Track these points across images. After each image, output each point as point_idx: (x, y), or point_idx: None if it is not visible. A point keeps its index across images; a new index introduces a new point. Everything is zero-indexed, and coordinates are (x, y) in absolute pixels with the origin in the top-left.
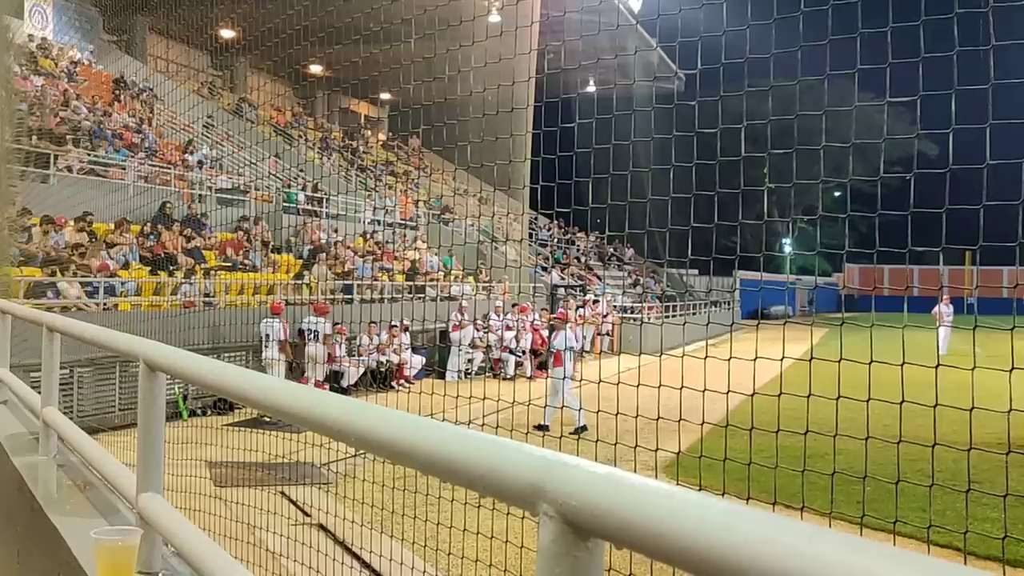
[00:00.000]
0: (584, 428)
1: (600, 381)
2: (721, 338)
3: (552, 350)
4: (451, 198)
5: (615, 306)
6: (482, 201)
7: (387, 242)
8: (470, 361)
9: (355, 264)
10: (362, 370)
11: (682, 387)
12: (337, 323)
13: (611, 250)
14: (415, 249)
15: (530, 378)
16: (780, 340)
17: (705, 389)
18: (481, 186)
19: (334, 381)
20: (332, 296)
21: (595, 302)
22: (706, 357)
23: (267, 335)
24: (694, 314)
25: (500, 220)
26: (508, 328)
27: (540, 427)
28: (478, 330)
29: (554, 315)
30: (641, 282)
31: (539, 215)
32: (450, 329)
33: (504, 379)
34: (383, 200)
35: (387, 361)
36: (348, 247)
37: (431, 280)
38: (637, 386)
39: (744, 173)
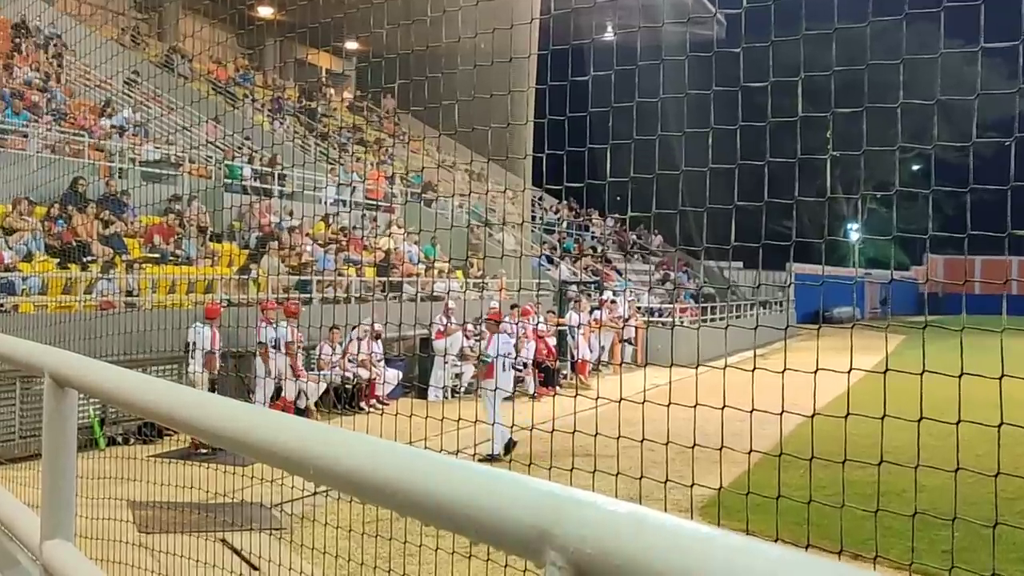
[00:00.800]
0: (495, 457)
1: (621, 399)
2: (772, 346)
3: (485, 360)
4: (434, 172)
5: (639, 307)
6: (473, 176)
7: (354, 228)
8: (458, 376)
9: (314, 255)
10: (323, 388)
11: (724, 407)
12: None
13: (634, 237)
14: (389, 236)
15: (533, 397)
16: (846, 348)
17: (753, 409)
18: (472, 157)
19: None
20: (287, 295)
21: (614, 302)
22: (754, 369)
23: (193, 343)
24: (738, 317)
25: (496, 199)
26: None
27: (490, 457)
28: (468, 337)
29: (504, 314)
30: (672, 277)
31: (544, 193)
32: (433, 336)
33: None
34: (349, 175)
35: (354, 376)
36: (306, 234)
37: (409, 275)
38: (668, 405)
39: (801, 138)
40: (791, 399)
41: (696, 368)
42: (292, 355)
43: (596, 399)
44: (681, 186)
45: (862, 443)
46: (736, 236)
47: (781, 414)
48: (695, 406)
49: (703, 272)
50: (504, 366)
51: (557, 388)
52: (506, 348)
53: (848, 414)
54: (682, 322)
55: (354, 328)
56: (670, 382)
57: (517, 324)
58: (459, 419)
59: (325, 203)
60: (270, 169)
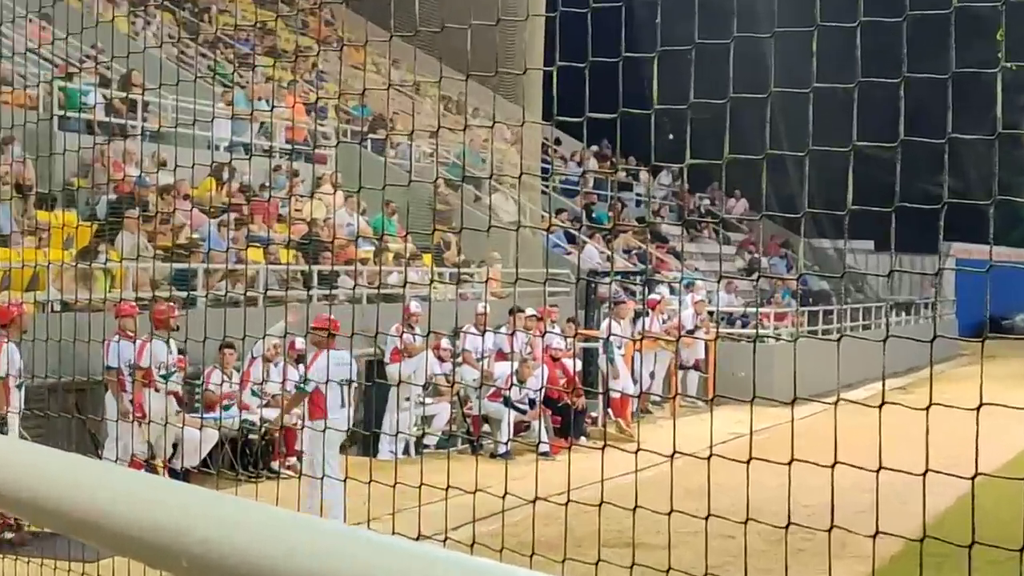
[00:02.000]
0: None
1: (674, 454)
2: (919, 373)
3: (302, 389)
4: (388, 99)
5: (711, 312)
6: (449, 105)
7: (262, 187)
8: (425, 420)
9: (200, 230)
10: (214, 439)
11: (834, 463)
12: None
13: (702, 201)
14: (317, 200)
15: (545, 454)
16: None
17: (881, 468)
18: (444, 74)
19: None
20: (155, 294)
21: (670, 304)
22: (881, 404)
23: None
24: (864, 326)
25: (485, 143)
26: (501, 356)
27: None
28: (441, 359)
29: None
30: (762, 264)
31: (561, 133)
32: (387, 358)
33: (494, 456)
34: (252, 104)
35: (261, 421)
36: (186, 197)
37: (348, 261)
38: (748, 461)
39: (959, 46)
40: (946, 454)
41: (793, 404)
42: (153, 386)
43: (636, 451)
44: (770, 118)
45: None
46: (856, 198)
47: (925, 475)
48: (790, 463)
49: (810, 256)
50: (342, 400)
51: (581, 439)
52: (340, 371)
53: None
54: (778, 335)
55: (259, 342)
56: (751, 430)
57: (511, 336)
58: (421, 484)
59: (216, 149)
60: (129, 95)
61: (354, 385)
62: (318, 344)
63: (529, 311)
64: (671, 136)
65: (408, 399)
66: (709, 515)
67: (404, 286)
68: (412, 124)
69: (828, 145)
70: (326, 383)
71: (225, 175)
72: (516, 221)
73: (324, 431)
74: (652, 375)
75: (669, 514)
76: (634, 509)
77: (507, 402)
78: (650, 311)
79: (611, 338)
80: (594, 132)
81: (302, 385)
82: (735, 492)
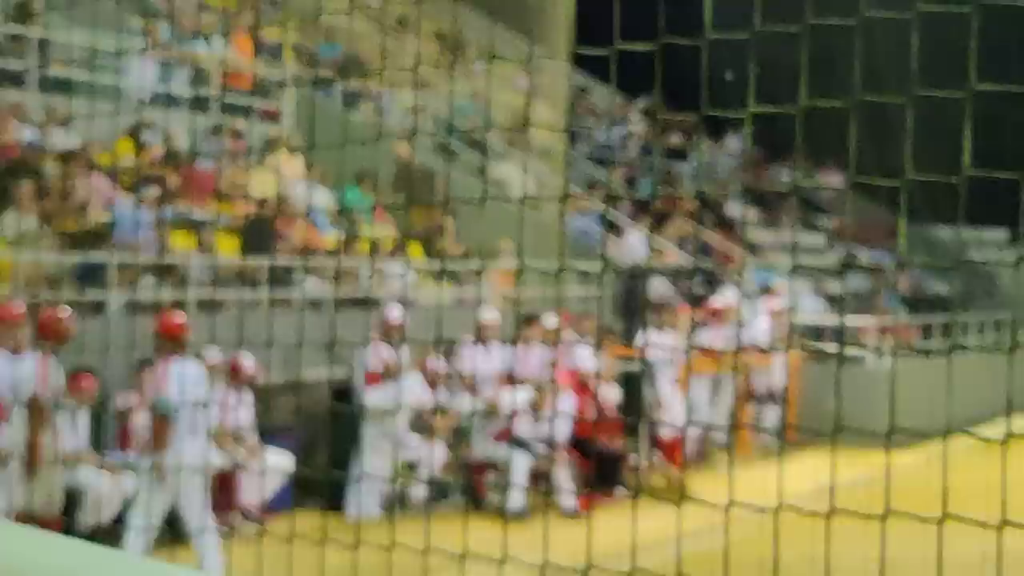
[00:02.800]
0: None
1: (728, 507)
2: None
3: (162, 411)
4: (365, 36)
5: (793, 323)
6: (446, 44)
7: (196, 153)
8: (410, 469)
9: (112, 209)
10: (128, 488)
11: (942, 518)
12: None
13: (782, 175)
14: (268, 169)
15: (573, 514)
16: None
17: (1005, 523)
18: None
19: (63, 515)
20: (51, 294)
21: (736, 312)
22: (1006, 439)
23: None
24: (997, 344)
25: (495, 93)
26: (509, 380)
27: None
28: (432, 384)
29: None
30: (863, 260)
31: (594, 81)
32: (360, 383)
33: (503, 514)
34: (184, 42)
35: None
36: (94, 166)
37: (310, 251)
38: (827, 514)
39: None
40: None
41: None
42: (43, 420)
43: (684, 501)
44: (866, 53)
45: None
46: (978, 166)
47: None
48: (883, 517)
49: (920, 247)
50: (194, 427)
51: (621, 489)
52: (191, 388)
53: None
54: (881, 352)
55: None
56: (854, 481)
57: (524, 353)
58: (385, 542)
59: (134, 101)
60: (19, 29)
61: (206, 406)
62: (164, 349)
63: (550, 320)
64: (729, 77)
65: (387, 437)
66: None
67: (377, 284)
68: (402, 71)
69: (955, 113)
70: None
71: (145, 136)
72: (533, 197)
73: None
74: (714, 407)
75: None
76: None
77: (519, 442)
78: (711, 321)
79: (654, 356)
80: (639, 81)
81: (160, 407)
82: (817, 565)
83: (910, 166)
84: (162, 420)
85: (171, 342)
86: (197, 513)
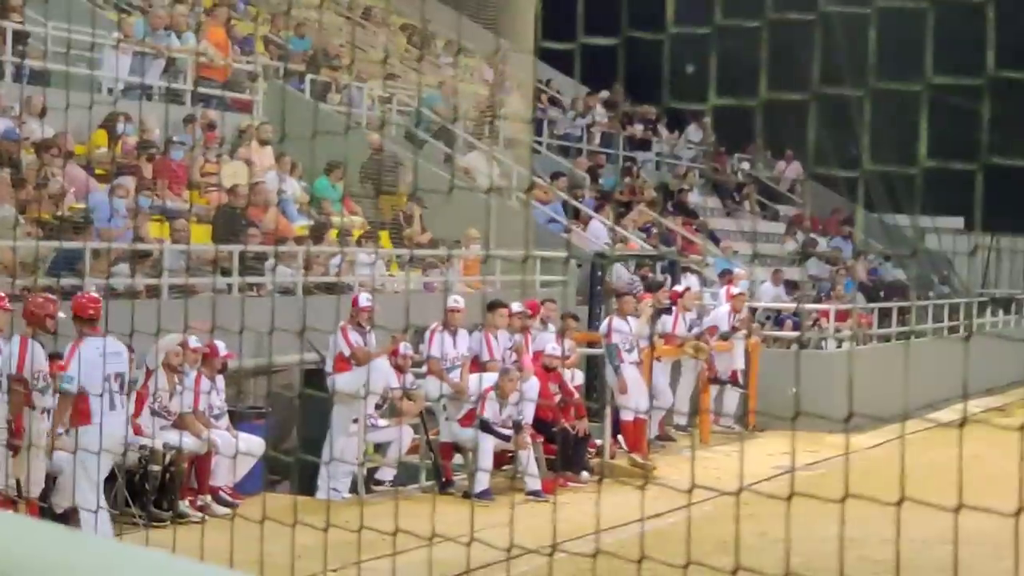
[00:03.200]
0: None
1: (691, 490)
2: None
3: (65, 389)
4: (333, 29)
5: (752, 308)
6: (414, 36)
7: (171, 143)
8: (378, 449)
9: (87, 198)
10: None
11: (900, 500)
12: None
13: (742, 164)
14: (240, 160)
15: (535, 494)
16: None
17: (960, 507)
18: None
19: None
20: (31, 281)
21: (700, 299)
22: (962, 422)
23: None
24: (953, 328)
25: (461, 84)
26: (478, 365)
27: None
28: (400, 369)
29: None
30: (819, 247)
31: (561, 76)
32: (329, 367)
33: (468, 496)
34: (160, 36)
35: (165, 448)
36: (69, 154)
37: (281, 240)
38: (789, 498)
39: None
40: None
41: (849, 422)
42: (29, 402)
43: (647, 483)
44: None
45: None
46: (935, 156)
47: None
48: (843, 499)
49: (879, 235)
50: (112, 401)
51: (583, 474)
52: (107, 363)
53: None
54: (839, 339)
55: (150, 352)
56: (815, 461)
57: (490, 339)
58: (360, 528)
59: (108, 92)
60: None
61: (128, 381)
62: (81, 327)
63: (515, 306)
64: (691, 70)
65: (356, 421)
66: (737, 570)
67: (347, 271)
68: (371, 64)
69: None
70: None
71: (120, 127)
72: (500, 187)
73: (99, 453)
74: (675, 390)
75: (685, 567)
76: (640, 560)
77: (485, 426)
78: (673, 307)
79: (617, 341)
80: (603, 72)
81: (66, 385)
82: (779, 545)
83: (867, 157)
84: (64, 397)
85: (82, 321)
86: (90, 493)
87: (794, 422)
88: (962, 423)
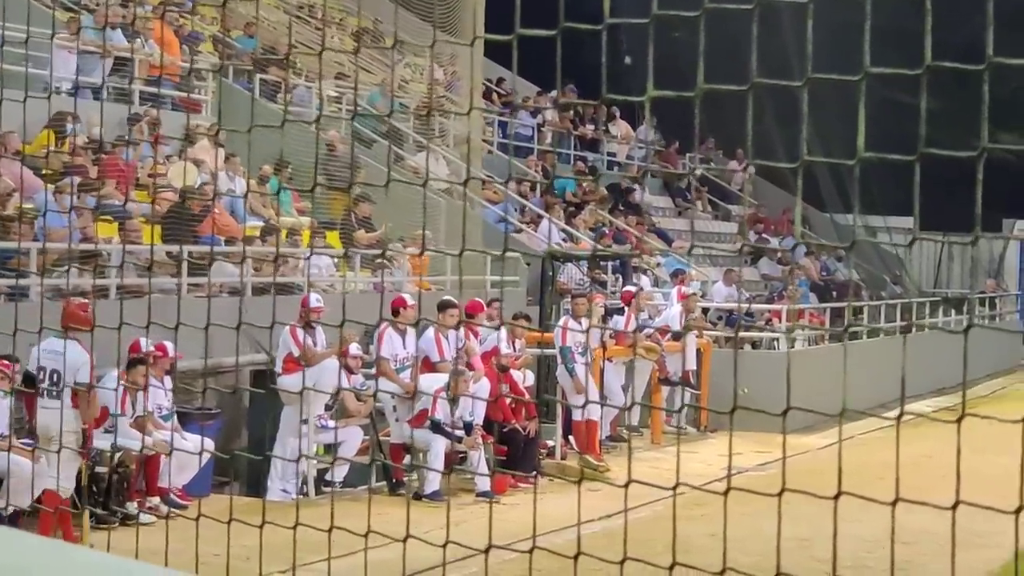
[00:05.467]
0: None
1: (627, 484)
2: (971, 389)
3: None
4: (282, 28)
5: (705, 308)
6: (364, 35)
7: (117, 141)
8: (328, 449)
9: (33, 199)
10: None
11: (836, 495)
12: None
13: (697, 165)
14: (187, 161)
15: (485, 494)
16: None
17: (897, 500)
18: None
19: None
20: None
21: (651, 298)
22: (899, 418)
23: None
24: (905, 329)
25: (408, 83)
26: (429, 366)
27: None
28: (352, 371)
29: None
30: (773, 247)
31: (506, 71)
32: (279, 367)
33: (419, 497)
34: (106, 33)
35: (113, 449)
36: (16, 154)
37: (230, 239)
38: (725, 493)
39: None
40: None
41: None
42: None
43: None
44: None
45: None
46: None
47: (954, 507)
48: (779, 494)
49: (830, 234)
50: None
51: (537, 476)
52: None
53: None
54: (792, 340)
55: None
56: (765, 462)
57: (441, 339)
58: (330, 531)
59: (54, 92)
60: None
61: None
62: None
63: (465, 306)
64: (628, 60)
65: (307, 422)
66: (674, 564)
67: (296, 271)
68: (322, 62)
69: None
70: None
71: (68, 127)
72: (451, 186)
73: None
74: (626, 390)
75: (622, 562)
76: (576, 556)
77: (436, 426)
78: (625, 307)
79: (570, 342)
80: (554, 72)
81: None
82: (748, 543)
83: (808, 149)
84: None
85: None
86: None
87: (731, 416)
88: (898, 418)
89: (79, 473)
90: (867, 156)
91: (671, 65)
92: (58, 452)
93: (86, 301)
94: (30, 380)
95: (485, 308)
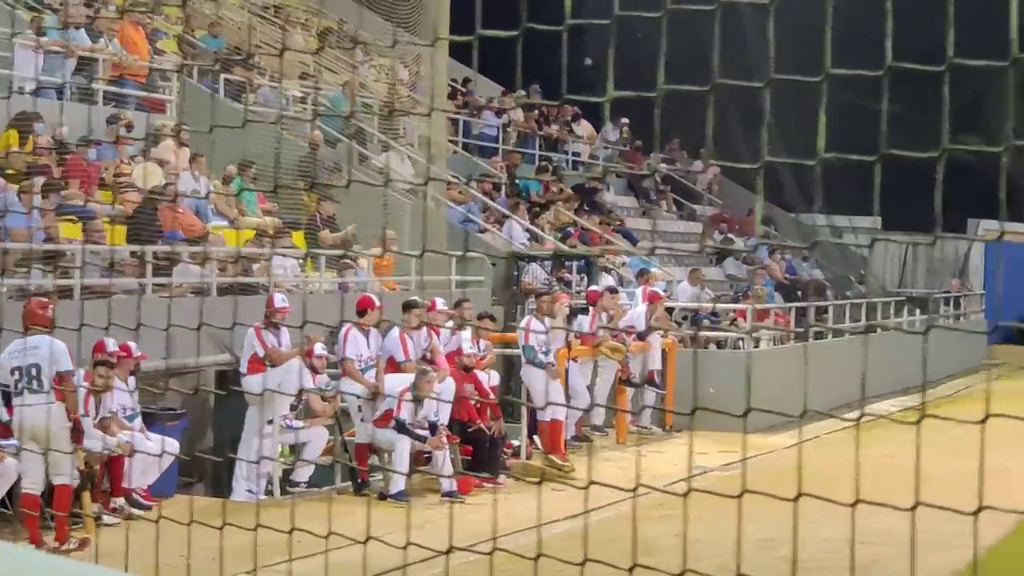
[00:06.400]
0: None
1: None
2: (933, 390)
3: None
4: (247, 28)
5: (670, 308)
6: (330, 36)
7: (82, 142)
8: (294, 450)
9: (1, 197)
10: (14, 475)
11: (796, 497)
12: None
13: (661, 165)
14: (152, 162)
15: (451, 495)
16: None
17: (857, 503)
18: None
19: None
20: None
21: (616, 297)
22: (859, 420)
23: None
24: (868, 329)
25: (375, 83)
26: (394, 366)
27: None
28: (315, 370)
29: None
30: (740, 249)
31: (472, 72)
32: (244, 368)
33: (384, 498)
34: (70, 33)
35: (76, 450)
36: None
37: (195, 238)
38: (686, 494)
39: None
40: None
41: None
42: None
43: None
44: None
45: None
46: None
47: (913, 508)
48: (739, 495)
49: (795, 234)
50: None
51: (503, 477)
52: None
53: None
54: (756, 340)
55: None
56: (731, 463)
57: (406, 339)
58: (292, 533)
59: (16, 92)
60: None
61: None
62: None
63: (431, 306)
64: (589, 62)
65: (271, 422)
66: (634, 566)
67: (262, 271)
68: (284, 64)
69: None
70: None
71: (34, 127)
72: (416, 186)
73: None
74: (591, 390)
75: (632, 568)
76: (536, 558)
77: (401, 427)
78: (590, 307)
79: (534, 342)
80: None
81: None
82: (695, 546)
83: (768, 151)
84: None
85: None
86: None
87: (692, 417)
88: (858, 419)
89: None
90: (827, 156)
91: (635, 66)
92: (44, 453)
93: (46, 300)
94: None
95: (441, 306)
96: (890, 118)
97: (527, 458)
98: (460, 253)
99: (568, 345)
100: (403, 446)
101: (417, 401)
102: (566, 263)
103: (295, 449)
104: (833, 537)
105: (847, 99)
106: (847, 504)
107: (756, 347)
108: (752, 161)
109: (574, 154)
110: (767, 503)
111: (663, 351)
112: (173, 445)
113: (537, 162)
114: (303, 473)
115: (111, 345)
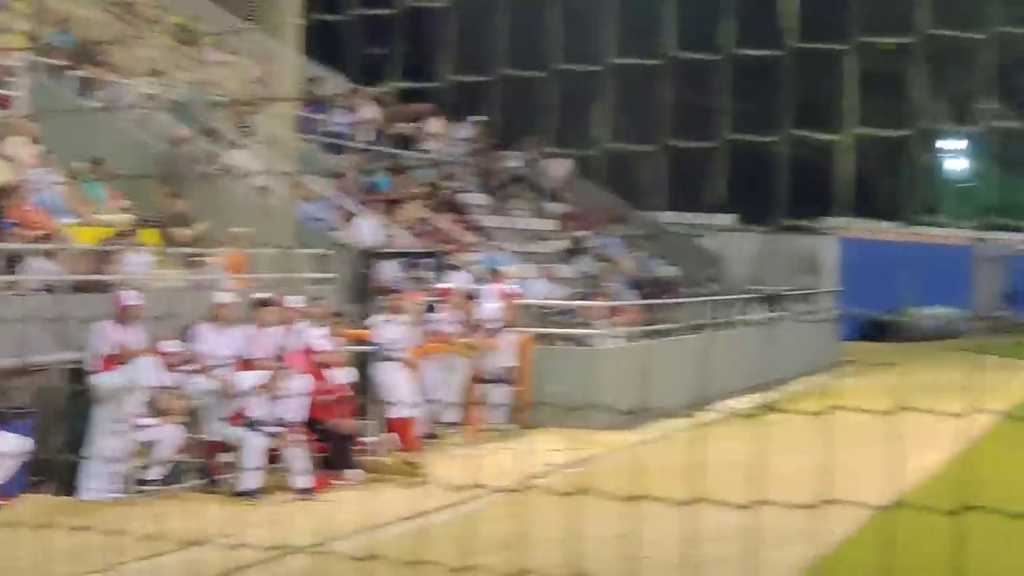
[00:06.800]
0: None
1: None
2: (787, 387)
3: None
4: (98, 23)
5: (524, 305)
6: (177, 32)
7: None
8: (145, 448)
9: None
10: None
11: (633, 497)
12: None
13: (514, 163)
14: (2, 155)
15: (306, 491)
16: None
17: (694, 501)
18: None
19: None
20: None
21: (470, 296)
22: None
23: None
24: (722, 327)
25: (224, 80)
26: (247, 363)
27: None
28: (171, 368)
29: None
30: (591, 246)
31: (324, 68)
32: (93, 366)
33: (237, 495)
34: None
35: None
36: None
37: (44, 235)
38: (527, 490)
39: None
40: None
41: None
42: None
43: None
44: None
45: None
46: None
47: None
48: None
49: (650, 230)
50: None
51: (354, 472)
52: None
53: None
54: (607, 337)
55: None
56: (584, 459)
57: (247, 329)
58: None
59: None
60: None
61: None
62: None
63: (290, 300)
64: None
65: (122, 420)
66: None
67: (112, 268)
68: (137, 59)
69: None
70: None
71: None
72: (266, 185)
73: None
74: (444, 387)
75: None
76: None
77: (252, 423)
78: (443, 305)
79: (386, 339)
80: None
81: None
82: (549, 545)
83: (607, 136)
84: None
85: None
86: None
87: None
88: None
89: None
90: (671, 145)
91: (481, 59)
92: None
93: None
94: None
95: (293, 303)
96: (737, 113)
97: (380, 455)
98: (312, 251)
99: (421, 343)
100: (254, 443)
101: (269, 398)
102: (418, 261)
103: (146, 447)
104: (677, 533)
105: (691, 93)
106: (691, 502)
107: (608, 344)
108: (601, 154)
109: (426, 151)
110: (613, 501)
111: (519, 348)
112: (21, 443)
113: (389, 159)
114: (155, 471)
115: None
